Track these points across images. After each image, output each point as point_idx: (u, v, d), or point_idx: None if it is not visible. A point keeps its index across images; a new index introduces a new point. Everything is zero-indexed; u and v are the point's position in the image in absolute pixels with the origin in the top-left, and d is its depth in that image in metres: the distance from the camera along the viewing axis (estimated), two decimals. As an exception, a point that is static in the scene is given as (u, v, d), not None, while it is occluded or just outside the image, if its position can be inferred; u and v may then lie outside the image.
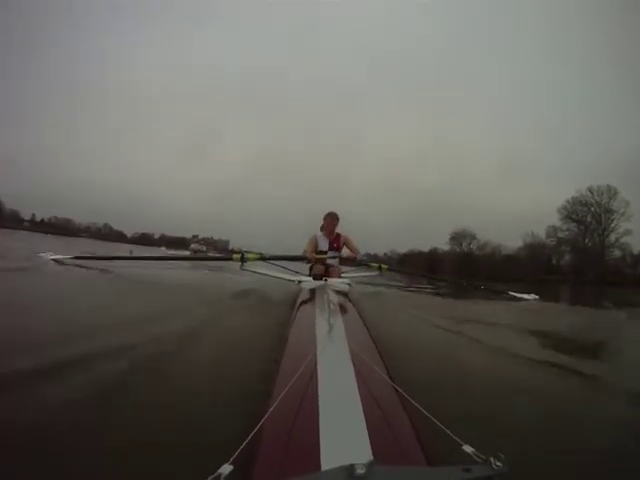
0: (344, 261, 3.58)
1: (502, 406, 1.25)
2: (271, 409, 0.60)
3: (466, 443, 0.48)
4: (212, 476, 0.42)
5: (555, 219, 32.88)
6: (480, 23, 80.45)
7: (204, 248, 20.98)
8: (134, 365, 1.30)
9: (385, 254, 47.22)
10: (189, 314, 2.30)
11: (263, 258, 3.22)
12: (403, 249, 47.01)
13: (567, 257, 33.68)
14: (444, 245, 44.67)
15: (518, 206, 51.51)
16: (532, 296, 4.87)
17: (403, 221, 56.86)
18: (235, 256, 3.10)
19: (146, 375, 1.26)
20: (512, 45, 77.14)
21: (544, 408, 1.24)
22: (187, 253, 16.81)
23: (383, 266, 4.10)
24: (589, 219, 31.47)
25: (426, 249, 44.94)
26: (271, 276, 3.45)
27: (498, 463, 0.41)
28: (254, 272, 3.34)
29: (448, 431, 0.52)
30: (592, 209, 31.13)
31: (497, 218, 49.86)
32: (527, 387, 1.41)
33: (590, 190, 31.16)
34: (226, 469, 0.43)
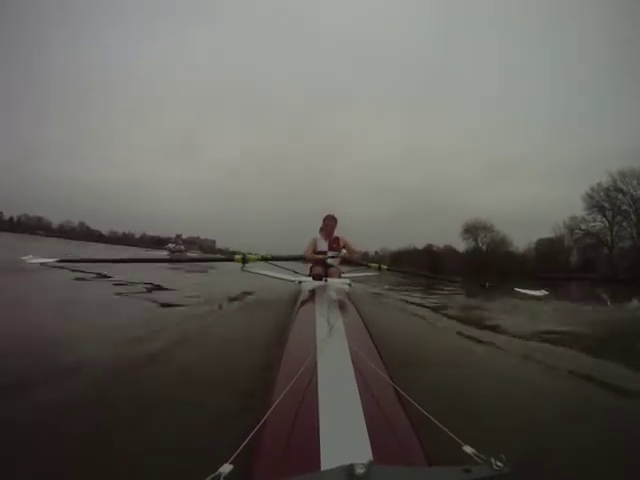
0: (344, 261, 3.49)
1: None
2: (271, 409, 0.59)
3: (466, 443, 0.47)
4: (212, 475, 0.41)
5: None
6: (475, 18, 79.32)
7: (182, 247, 18.91)
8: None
9: (376, 252, 43.71)
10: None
11: (265, 259, 3.03)
12: (394, 246, 44.03)
13: (590, 252, 29.64)
14: (442, 241, 41.45)
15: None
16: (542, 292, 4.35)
17: (393, 219, 54.54)
18: (237, 257, 2.99)
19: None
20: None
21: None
22: (164, 253, 15.81)
23: (383, 266, 3.96)
24: (624, 207, 26.93)
25: (420, 246, 41.73)
26: (272, 277, 3.44)
27: (499, 464, 0.40)
28: (255, 273, 3.31)
29: (448, 431, 0.50)
30: (619, 197, 27.11)
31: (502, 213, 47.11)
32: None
33: (622, 174, 27.14)
34: (226, 468, 0.43)
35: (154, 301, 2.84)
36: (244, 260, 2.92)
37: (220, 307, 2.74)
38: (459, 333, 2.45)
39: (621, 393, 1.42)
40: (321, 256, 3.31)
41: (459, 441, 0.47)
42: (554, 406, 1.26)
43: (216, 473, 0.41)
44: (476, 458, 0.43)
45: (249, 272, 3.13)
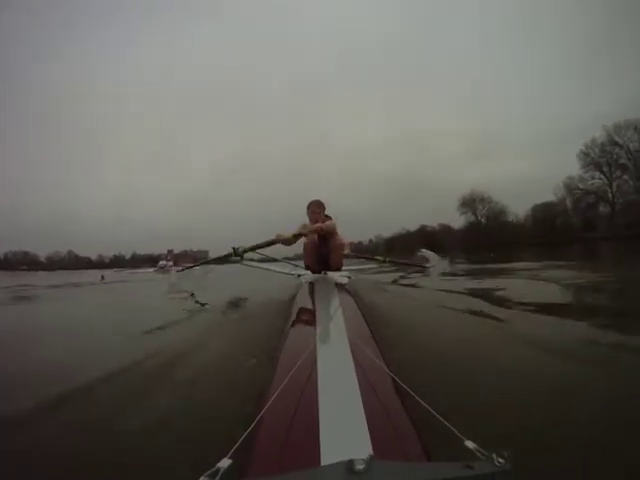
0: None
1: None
2: (270, 402, 0.58)
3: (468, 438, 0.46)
4: (211, 470, 0.40)
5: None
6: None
7: (171, 263, 19.13)
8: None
9: (370, 240, 42.82)
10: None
11: (238, 252, 3.06)
12: (388, 232, 43.16)
13: (589, 211, 28.79)
14: (434, 219, 40.54)
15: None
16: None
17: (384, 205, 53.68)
18: (231, 253, 3.12)
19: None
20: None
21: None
22: (152, 270, 16.36)
23: (387, 258, 3.95)
24: (622, 160, 25.98)
25: (413, 228, 40.85)
26: (270, 270, 3.51)
27: (500, 460, 0.39)
28: (254, 266, 3.38)
29: (450, 426, 0.48)
30: (615, 151, 26.02)
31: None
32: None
33: (617, 126, 25.92)
34: (225, 463, 0.42)
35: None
36: (236, 254, 3.04)
37: None
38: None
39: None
40: (285, 237, 2.79)
41: (461, 436, 0.45)
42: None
43: (215, 468, 0.40)
44: (477, 454, 0.41)
45: (248, 265, 3.26)
